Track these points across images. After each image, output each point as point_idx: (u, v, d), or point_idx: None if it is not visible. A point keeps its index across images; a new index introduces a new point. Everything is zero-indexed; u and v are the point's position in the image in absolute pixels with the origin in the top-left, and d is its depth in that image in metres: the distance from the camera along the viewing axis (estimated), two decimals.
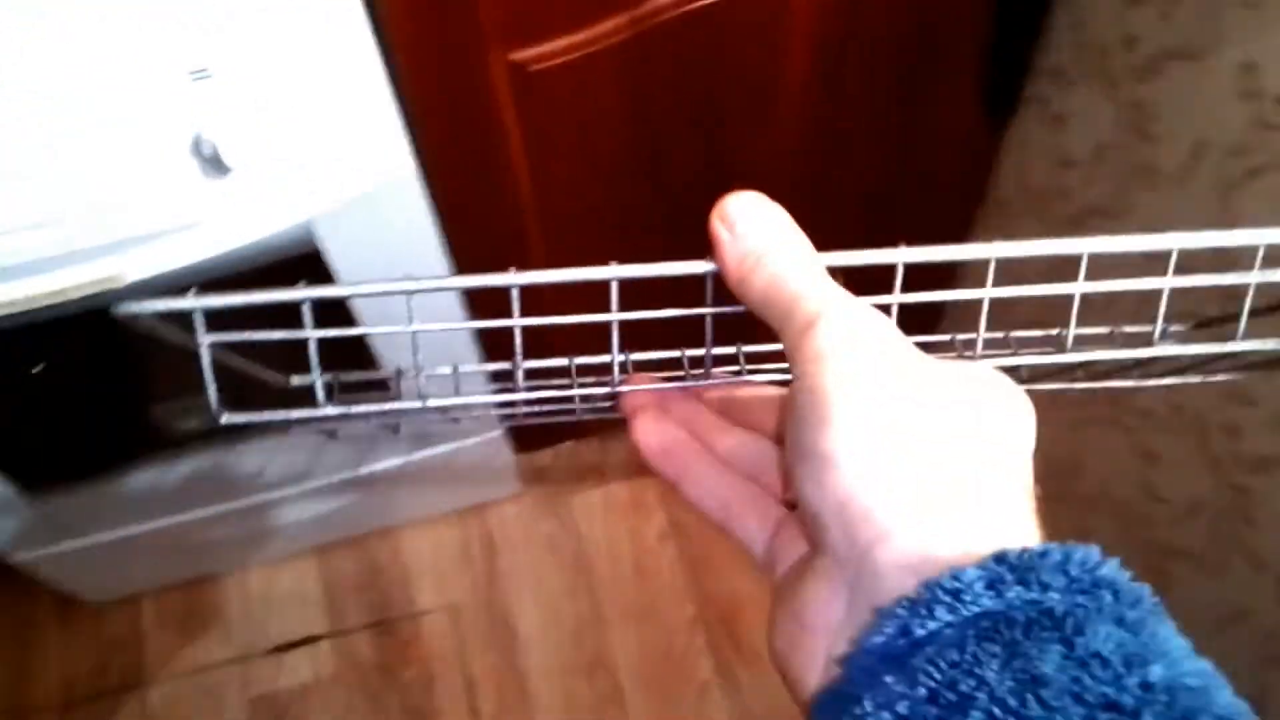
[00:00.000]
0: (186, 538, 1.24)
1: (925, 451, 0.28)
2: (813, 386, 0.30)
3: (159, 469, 1.12)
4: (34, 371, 1.01)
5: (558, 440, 1.48)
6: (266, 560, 1.39)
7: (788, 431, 0.31)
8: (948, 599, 0.26)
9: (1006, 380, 0.31)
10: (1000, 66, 1.04)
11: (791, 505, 0.36)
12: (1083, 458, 1.18)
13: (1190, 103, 0.83)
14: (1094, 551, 0.27)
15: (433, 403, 0.40)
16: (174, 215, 0.77)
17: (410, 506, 1.42)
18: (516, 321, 0.39)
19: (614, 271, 0.37)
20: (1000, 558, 0.26)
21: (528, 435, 1.39)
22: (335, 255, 0.88)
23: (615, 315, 0.39)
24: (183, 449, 1.11)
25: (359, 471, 1.24)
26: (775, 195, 1.11)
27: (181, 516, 1.20)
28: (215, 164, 0.73)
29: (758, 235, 0.34)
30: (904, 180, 1.14)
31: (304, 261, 0.88)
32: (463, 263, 0.97)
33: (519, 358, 0.41)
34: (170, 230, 0.78)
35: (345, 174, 0.80)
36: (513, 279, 0.37)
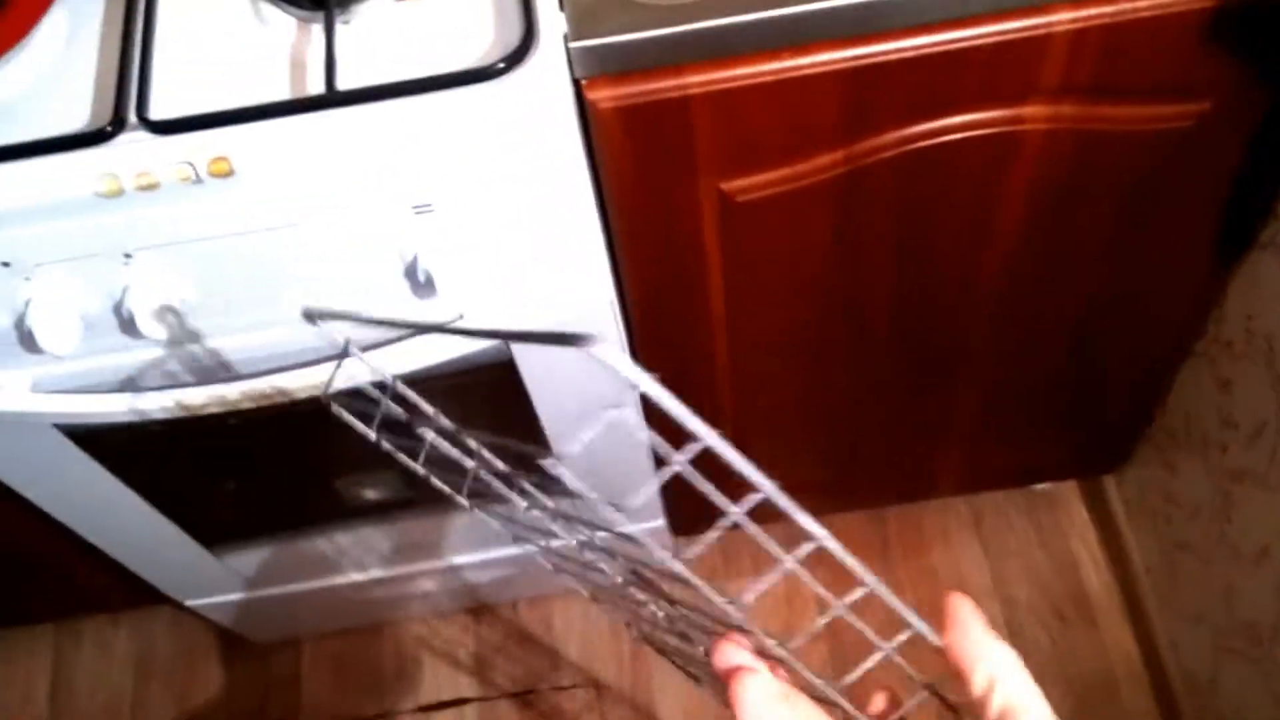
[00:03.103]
0: (354, 594, 1.28)
1: None
2: None
3: (334, 534, 1.15)
4: (232, 422, 1.05)
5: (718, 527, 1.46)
6: (423, 616, 1.42)
7: None
8: None
9: None
10: (1239, 209, 0.97)
11: None
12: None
13: None
14: None
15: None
16: (381, 331, 0.78)
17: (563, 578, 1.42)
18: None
19: None
20: None
21: (688, 519, 1.37)
22: (527, 368, 0.89)
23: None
24: (358, 518, 1.14)
25: (526, 548, 1.25)
26: (976, 326, 1.07)
27: (351, 577, 1.23)
28: (427, 287, 0.74)
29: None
30: (1117, 306, 1.08)
31: (498, 368, 0.89)
32: None
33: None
34: (373, 344, 0.79)
35: (547, 299, 0.80)
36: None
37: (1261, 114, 0.84)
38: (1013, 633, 1.37)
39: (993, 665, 0.36)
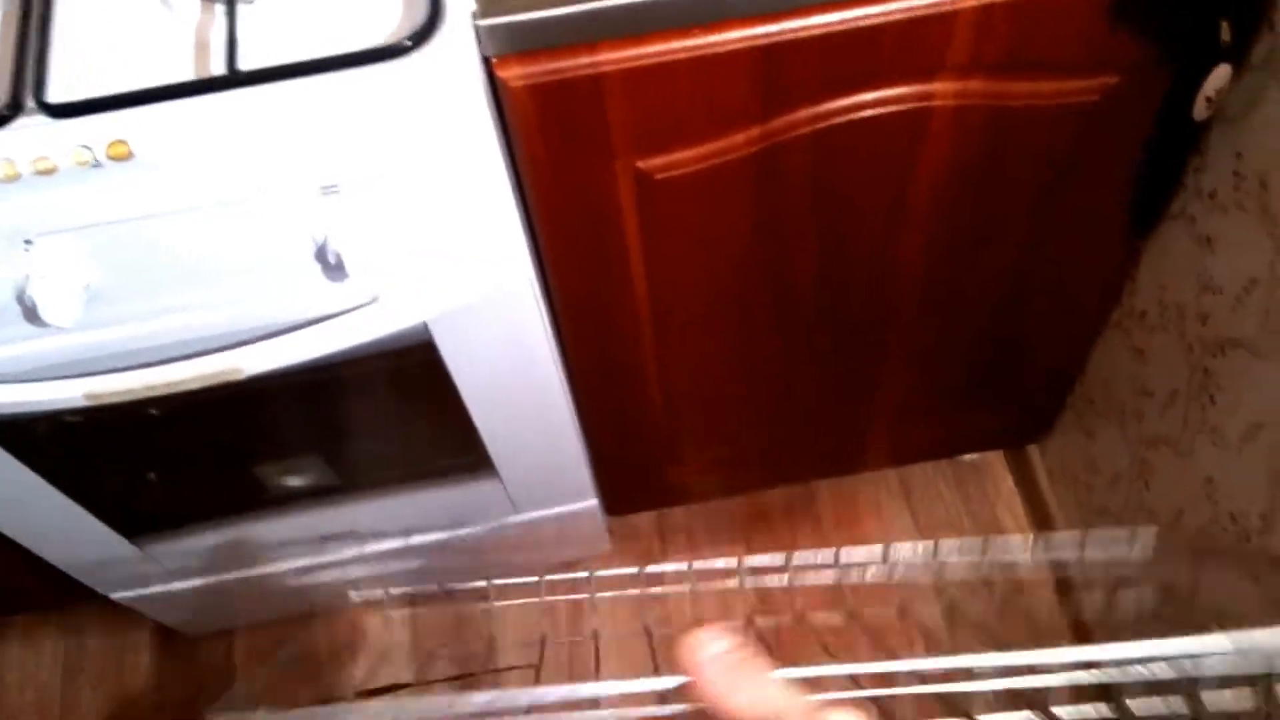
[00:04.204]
0: (282, 583, 1.26)
1: None
2: None
3: (261, 523, 1.14)
4: (152, 412, 1.03)
5: (652, 506, 1.47)
6: (358, 603, 1.41)
7: None
8: None
9: None
10: (1148, 181, 0.99)
11: None
12: (1199, 588, 1.12)
13: None
14: None
15: None
16: (293, 314, 0.78)
17: (501, 562, 1.42)
18: None
19: None
20: None
21: (621, 498, 1.38)
22: (448, 350, 0.88)
23: None
24: (284, 505, 1.13)
25: (457, 533, 1.25)
26: (897, 301, 1.08)
27: (279, 565, 1.22)
28: (338, 269, 0.73)
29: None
30: (1035, 280, 1.09)
31: (418, 351, 0.89)
32: (575, 360, 0.96)
33: None
34: (289, 327, 0.78)
35: (464, 280, 0.80)
36: None
37: (1166, 86, 0.86)
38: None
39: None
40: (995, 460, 1.50)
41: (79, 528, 1.06)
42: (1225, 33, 0.83)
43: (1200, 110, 0.86)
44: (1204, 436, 1.02)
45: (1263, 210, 0.87)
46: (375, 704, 0.36)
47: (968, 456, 1.49)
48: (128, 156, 0.66)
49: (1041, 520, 1.44)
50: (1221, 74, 0.83)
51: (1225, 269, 0.95)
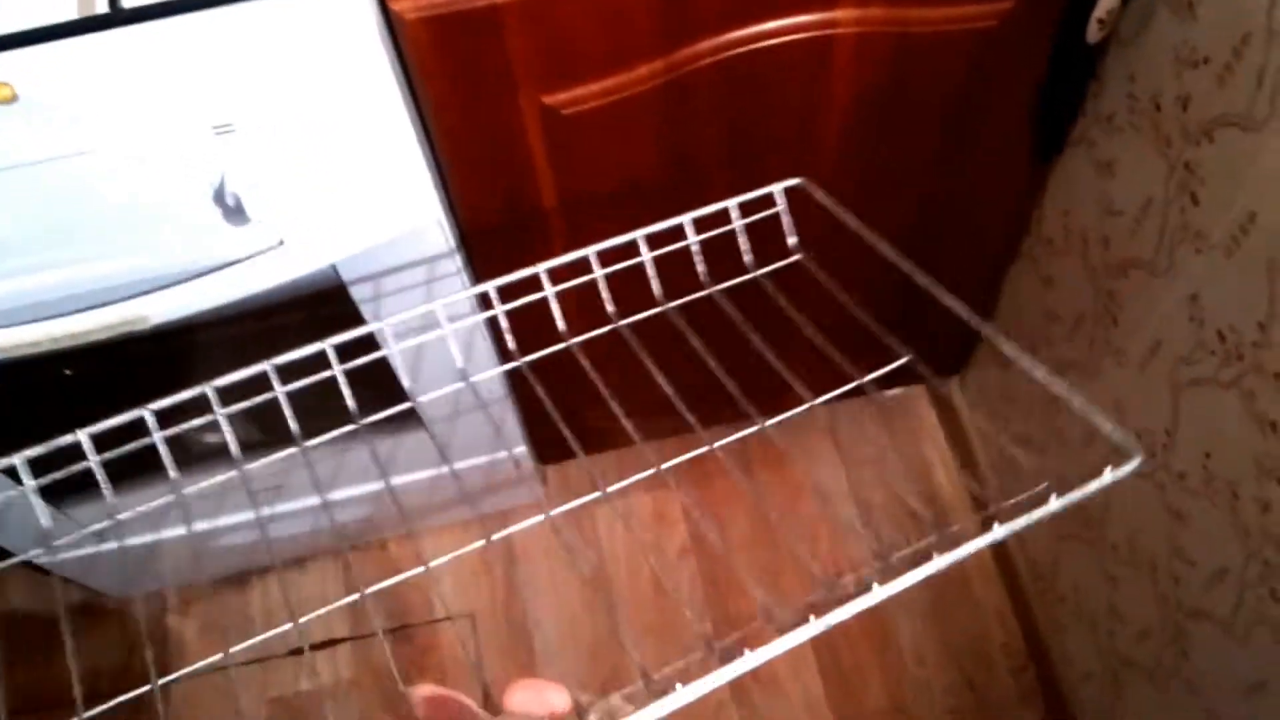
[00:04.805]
0: (212, 541, 1.26)
1: None
2: None
3: (184, 480, 1.13)
4: (66, 372, 1.01)
5: (582, 451, 1.47)
6: (290, 561, 1.40)
7: None
8: None
9: None
10: (1050, 108, 1.01)
11: None
12: (1110, 505, 1.15)
13: (1244, 173, 0.80)
14: None
15: None
16: (197, 260, 0.77)
17: (434, 513, 1.42)
18: None
19: None
20: None
21: (552, 446, 1.38)
22: (359, 291, 0.88)
23: None
24: (208, 463, 1.12)
25: (386, 482, 1.24)
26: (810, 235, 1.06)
27: (206, 524, 1.21)
28: (238, 212, 0.73)
29: None
30: (946, 213, 1.11)
31: (329, 294, 0.88)
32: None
33: None
34: (194, 274, 0.77)
35: (371, 221, 0.79)
36: None
37: (1061, 9, 0.88)
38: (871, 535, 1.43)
39: None
40: (919, 395, 1.53)
41: None
42: None
43: (1093, 32, 0.88)
44: (1109, 358, 1.05)
45: (1155, 130, 0.89)
46: None
47: (891, 392, 1.52)
48: (12, 99, 0.64)
49: (963, 453, 1.48)
50: None
51: (1124, 191, 0.97)
